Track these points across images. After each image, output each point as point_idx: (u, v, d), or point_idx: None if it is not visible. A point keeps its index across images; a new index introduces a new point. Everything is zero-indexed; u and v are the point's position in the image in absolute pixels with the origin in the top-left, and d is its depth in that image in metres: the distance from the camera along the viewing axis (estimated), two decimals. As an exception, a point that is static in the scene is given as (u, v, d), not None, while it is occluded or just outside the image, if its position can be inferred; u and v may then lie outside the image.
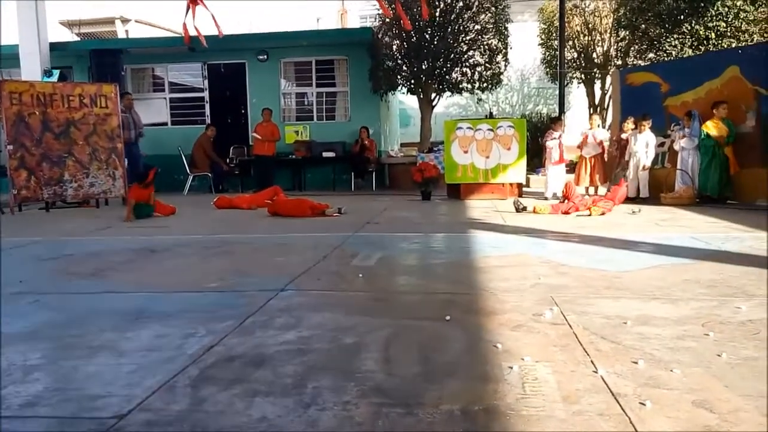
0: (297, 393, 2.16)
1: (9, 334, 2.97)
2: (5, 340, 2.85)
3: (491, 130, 10.19)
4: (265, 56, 13.53)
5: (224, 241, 5.99)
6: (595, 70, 15.77)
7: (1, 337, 2.90)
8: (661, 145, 9.59)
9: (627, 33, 14.67)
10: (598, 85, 16.14)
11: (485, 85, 13.22)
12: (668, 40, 13.08)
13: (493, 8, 13.06)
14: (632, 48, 14.67)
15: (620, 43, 15.18)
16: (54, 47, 12.82)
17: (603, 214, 7.46)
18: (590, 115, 12.59)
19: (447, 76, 12.92)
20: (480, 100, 15.73)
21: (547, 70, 17.06)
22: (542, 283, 3.80)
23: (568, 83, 16.00)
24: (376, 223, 7.08)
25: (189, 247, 5.58)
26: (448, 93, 13.88)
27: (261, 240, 6.01)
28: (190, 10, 6.64)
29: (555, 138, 9.96)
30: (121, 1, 20.27)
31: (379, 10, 12.61)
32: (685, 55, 12.58)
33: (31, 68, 12.14)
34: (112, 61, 12.86)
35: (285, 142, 13.13)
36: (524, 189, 10.81)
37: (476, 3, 12.82)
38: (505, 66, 13.58)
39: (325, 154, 12.90)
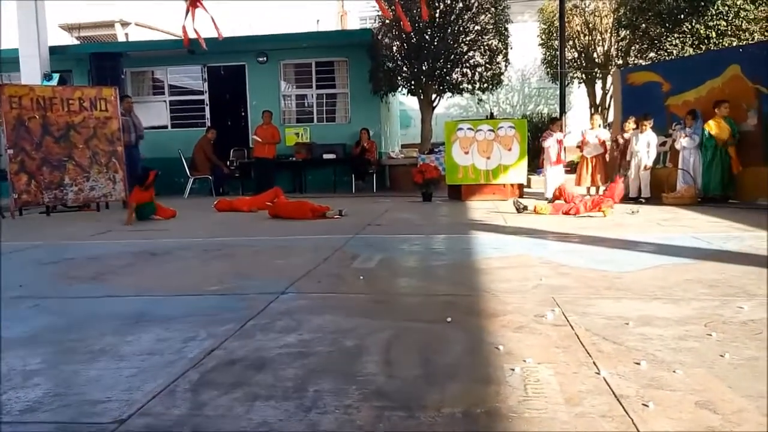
0: (298, 396, 2.15)
1: (9, 338, 2.97)
2: (5, 345, 2.84)
3: (492, 130, 10.18)
4: (265, 58, 13.52)
5: (225, 244, 5.98)
6: (595, 69, 15.76)
7: (1, 342, 2.89)
8: (663, 144, 9.58)
9: (627, 32, 14.68)
10: (599, 84, 16.15)
11: (486, 85, 13.22)
12: (669, 39, 13.09)
13: (493, 9, 13.05)
14: (633, 47, 14.68)
15: (621, 43, 15.18)
16: (54, 51, 12.83)
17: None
18: (591, 115, 12.58)
19: (447, 77, 12.91)
20: (480, 100, 15.71)
21: (548, 70, 17.07)
22: (543, 284, 3.79)
23: (568, 83, 16.01)
24: (377, 225, 7.07)
25: (189, 250, 5.58)
26: (448, 94, 13.86)
27: (261, 243, 6.00)
28: (190, 13, 6.66)
29: (552, 138, 9.94)
30: (121, 1, 20.28)
31: (378, 11, 12.62)
32: (685, 55, 12.58)
33: (31, 72, 12.13)
34: (112, 65, 12.84)
35: (285, 144, 13.13)
36: (525, 189, 10.80)
37: (476, 3, 12.82)
38: (506, 66, 13.57)
39: (326, 156, 12.89)
